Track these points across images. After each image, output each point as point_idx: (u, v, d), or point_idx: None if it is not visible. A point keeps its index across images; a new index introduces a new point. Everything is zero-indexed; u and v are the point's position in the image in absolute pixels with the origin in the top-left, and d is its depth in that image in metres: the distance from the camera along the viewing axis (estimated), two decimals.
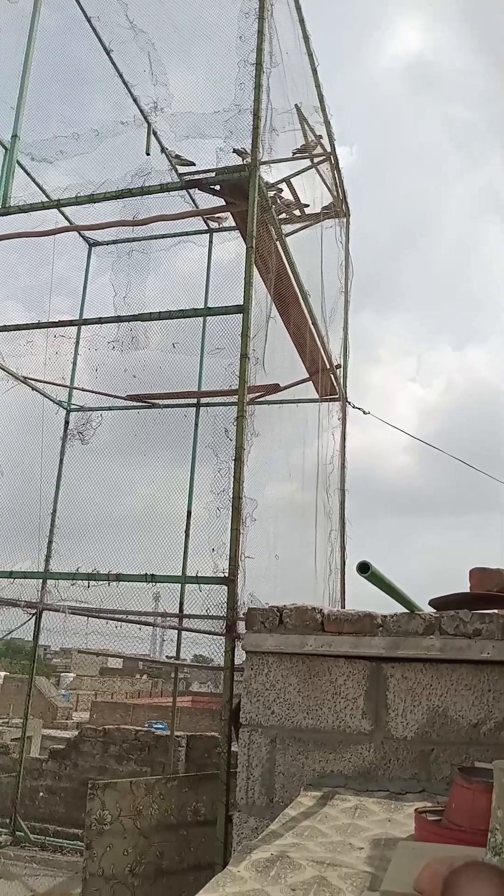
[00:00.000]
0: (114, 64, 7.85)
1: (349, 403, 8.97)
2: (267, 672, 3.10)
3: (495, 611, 3.01)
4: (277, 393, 8.43)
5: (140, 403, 9.42)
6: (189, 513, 9.09)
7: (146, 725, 15.39)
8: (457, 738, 2.81)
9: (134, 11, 7.26)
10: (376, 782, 2.74)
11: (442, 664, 2.89)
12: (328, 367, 8.70)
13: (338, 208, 8.99)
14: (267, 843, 1.86)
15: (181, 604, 7.55)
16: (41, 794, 9.64)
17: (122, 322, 7.22)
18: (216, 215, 8.65)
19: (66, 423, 9.55)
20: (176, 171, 7.56)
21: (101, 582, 6.03)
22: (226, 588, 5.17)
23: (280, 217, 7.45)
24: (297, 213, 8.18)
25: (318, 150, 8.15)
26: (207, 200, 7.37)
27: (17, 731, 11.56)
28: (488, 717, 2.80)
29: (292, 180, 7.96)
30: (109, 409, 9.56)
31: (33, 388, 8.86)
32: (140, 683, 37.65)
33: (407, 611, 3.02)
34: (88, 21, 7.60)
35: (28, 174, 8.04)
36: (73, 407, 9.67)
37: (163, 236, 9.14)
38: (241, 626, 4.65)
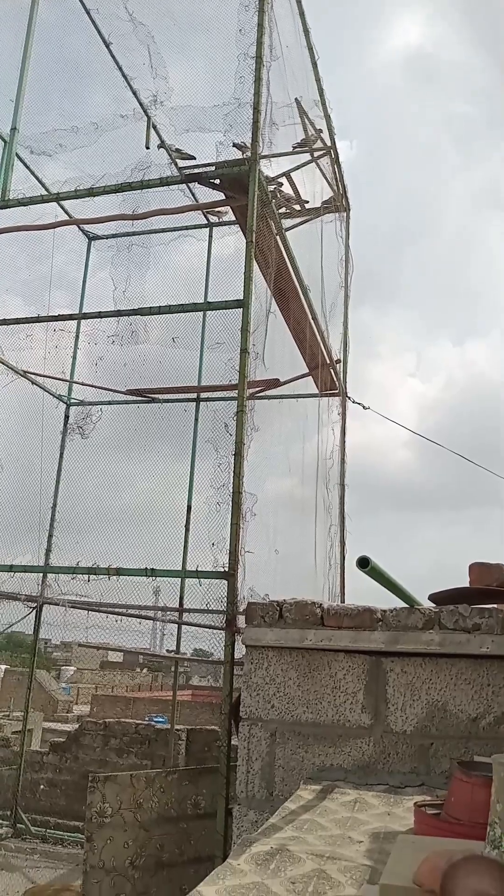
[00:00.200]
0: (113, 57, 7.81)
1: (349, 398, 8.97)
2: (267, 666, 3.11)
3: (495, 605, 3.02)
4: (277, 388, 8.43)
5: (140, 398, 9.42)
6: (189, 507, 9.10)
7: (146, 719, 15.42)
8: (456, 732, 2.83)
9: (133, 4, 7.24)
10: (376, 776, 2.76)
11: (441, 659, 2.90)
12: (328, 362, 8.69)
13: (338, 203, 8.97)
14: (267, 836, 1.88)
15: (181, 598, 7.57)
16: (42, 786, 9.68)
17: (121, 316, 7.21)
18: (216, 209, 8.64)
19: (66, 417, 9.55)
20: (176, 164, 7.54)
21: (102, 576, 6.04)
22: (226, 582, 5.18)
23: (280, 211, 7.43)
24: (296, 207, 8.16)
25: (319, 144, 8.13)
26: (207, 194, 7.35)
27: (17, 724, 11.60)
28: (487, 712, 2.82)
29: (292, 175, 7.93)
30: (109, 403, 9.55)
31: (33, 382, 8.85)
32: (140, 677, 37.74)
33: (406, 605, 3.03)
34: (87, 13, 7.57)
35: (27, 167, 8.01)
36: (72, 401, 9.66)
37: (162, 230, 9.11)
38: (241, 621, 4.66)
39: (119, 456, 9.54)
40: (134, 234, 8.73)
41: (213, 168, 6.58)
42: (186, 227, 9.40)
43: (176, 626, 8.43)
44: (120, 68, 7.88)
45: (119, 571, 5.90)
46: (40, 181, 8.08)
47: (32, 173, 8.13)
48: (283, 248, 7.13)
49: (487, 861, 1.16)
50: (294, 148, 7.86)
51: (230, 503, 5.24)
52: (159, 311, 6.72)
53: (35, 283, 8.46)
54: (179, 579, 7.39)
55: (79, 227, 9.40)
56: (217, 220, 9.57)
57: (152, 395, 9.42)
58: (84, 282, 9.75)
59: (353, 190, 9.51)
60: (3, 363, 8.23)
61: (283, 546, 6.76)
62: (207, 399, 9.31)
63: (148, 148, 7.60)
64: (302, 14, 7.55)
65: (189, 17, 7.34)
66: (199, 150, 7.42)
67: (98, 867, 4.37)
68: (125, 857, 4.47)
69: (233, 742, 4.31)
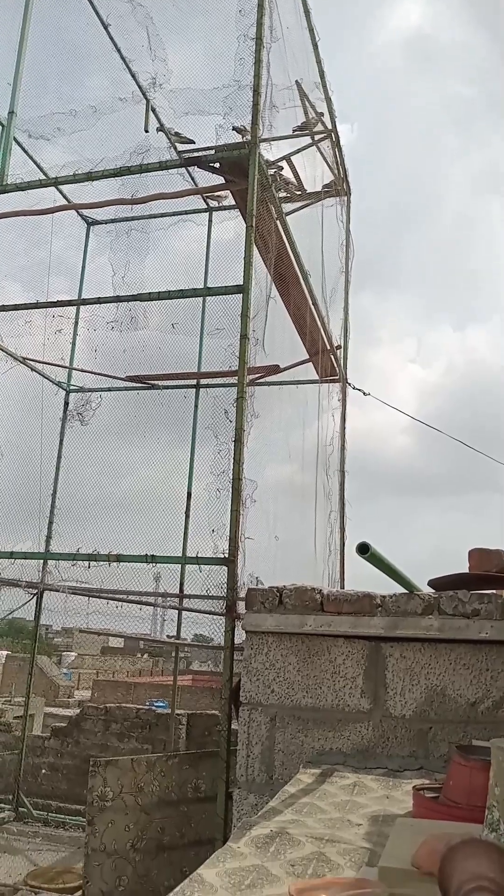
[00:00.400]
0: (111, 39, 7.71)
1: (349, 385, 8.95)
2: (267, 651, 3.12)
3: (494, 591, 3.02)
4: (277, 374, 8.41)
5: (139, 384, 9.39)
6: (189, 494, 9.10)
7: (147, 704, 15.53)
8: (454, 716, 2.84)
9: None
10: (375, 760, 2.77)
11: (440, 644, 2.90)
12: (328, 348, 8.66)
13: (339, 187, 8.90)
14: (266, 819, 1.89)
15: (181, 584, 7.60)
16: (44, 771, 9.77)
17: (121, 302, 7.17)
18: (216, 194, 8.56)
19: (66, 403, 9.53)
20: (175, 148, 7.46)
21: (102, 562, 6.06)
22: (226, 569, 5.19)
23: (280, 195, 7.37)
24: (297, 192, 8.10)
25: (319, 127, 8.05)
26: (207, 178, 7.29)
27: (19, 709, 11.68)
28: (486, 696, 2.83)
29: (293, 158, 7.87)
30: (109, 389, 9.53)
31: (32, 369, 8.83)
32: (141, 662, 37.97)
33: (406, 591, 3.03)
34: None
35: (25, 151, 7.94)
36: (72, 387, 9.64)
37: (162, 215, 9.05)
38: (241, 607, 4.67)
39: (119, 442, 9.54)
40: (133, 219, 8.67)
41: (212, 152, 6.52)
42: (186, 212, 9.34)
43: (176, 611, 8.47)
44: (118, 50, 7.79)
45: (119, 558, 5.91)
46: (38, 165, 8.01)
47: (30, 157, 8.07)
48: (283, 233, 7.08)
49: (485, 844, 1.16)
50: (294, 131, 7.79)
51: (230, 490, 5.24)
52: (158, 296, 6.69)
53: (34, 268, 8.43)
54: (180, 565, 7.41)
55: (77, 212, 9.33)
56: (217, 205, 9.49)
57: (152, 382, 9.40)
58: (83, 267, 9.70)
59: (353, 173, 9.44)
60: (2, 349, 8.20)
61: (283, 532, 6.77)
62: (207, 385, 9.28)
63: (147, 132, 7.52)
64: None
65: None
66: (199, 133, 7.35)
67: (99, 850, 4.42)
68: (126, 840, 4.51)
69: (233, 726, 4.34)
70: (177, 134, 7.61)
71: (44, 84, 7.61)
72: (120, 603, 6.90)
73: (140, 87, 7.77)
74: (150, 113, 7.70)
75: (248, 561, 5.20)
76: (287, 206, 7.78)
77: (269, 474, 6.69)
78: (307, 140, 7.99)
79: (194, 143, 7.43)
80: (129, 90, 7.71)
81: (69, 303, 8.25)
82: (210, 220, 9.77)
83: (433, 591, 3.08)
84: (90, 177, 6.64)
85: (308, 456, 8.04)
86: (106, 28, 7.65)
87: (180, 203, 8.42)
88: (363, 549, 2.64)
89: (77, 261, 9.70)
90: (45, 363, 8.93)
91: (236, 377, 5.54)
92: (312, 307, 8.03)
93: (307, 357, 8.57)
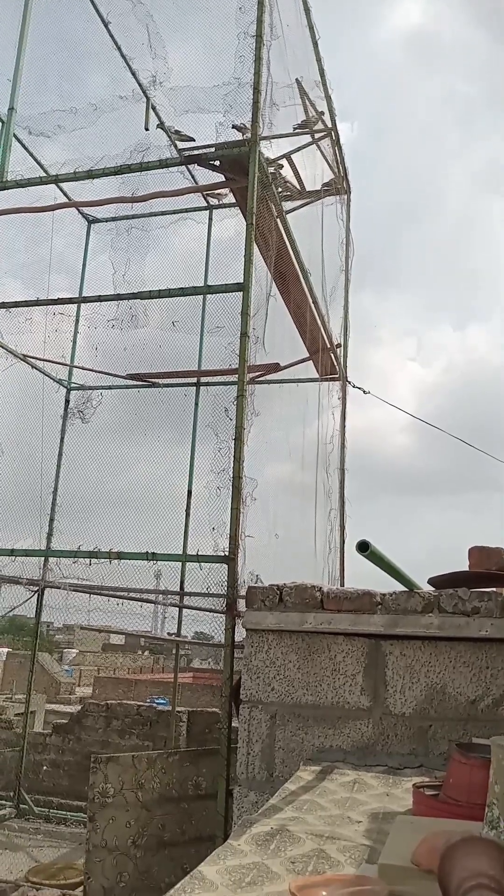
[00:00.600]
0: (112, 36, 7.71)
1: (349, 383, 8.95)
2: (267, 649, 3.13)
3: (494, 589, 3.03)
4: (278, 372, 8.41)
5: (140, 382, 9.40)
6: (189, 492, 9.12)
7: (148, 701, 15.54)
8: (454, 714, 2.85)
9: None
10: (375, 757, 2.78)
11: (440, 642, 2.91)
12: (328, 346, 8.66)
13: (339, 185, 8.89)
14: (267, 816, 1.89)
15: (182, 582, 7.61)
16: (45, 767, 9.79)
17: (121, 300, 7.19)
18: (216, 192, 8.56)
19: (67, 401, 9.54)
20: (175, 146, 7.45)
21: (103, 560, 6.07)
22: (226, 566, 5.20)
23: (280, 193, 7.37)
24: (297, 189, 8.09)
25: (319, 125, 8.04)
26: (207, 176, 7.29)
27: (20, 706, 11.69)
28: (486, 694, 2.84)
29: (293, 157, 7.86)
30: (110, 387, 9.54)
31: (33, 367, 8.83)
32: (142, 659, 38.00)
33: (406, 589, 3.04)
34: None
35: (25, 148, 7.93)
36: (73, 385, 9.65)
37: (162, 213, 9.05)
38: (241, 604, 4.68)
39: (119, 440, 9.55)
40: (133, 216, 8.67)
41: (212, 150, 6.52)
42: (186, 210, 9.33)
43: (177, 609, 8.48)
44: (119, 48, 7.78)
45: (120, 555, 5.92)
46: (38, 162, 8.01)
47: (31, 154, 8.06)
48: (283, 231, 7.08)
49: (485, 842, 1.17)
50: (295, 129, 7.78)
51: (230, 488, 5.25)
52: (159, 294, 6.69)
53: (34, 266, 8.42)
54: (180, 563, 7.42)
55: (78, 210, 9.33)
56: (217, 203, 9.48)
57: (152, 380, 9.40)
58: (84, 265, 9.70)
59: (353, 172, 9.43)
60: (2, 347, 8.20)
61: (283, 530, 6.78)
62: (207, 384, 9.29)
63: (147, 129, 7.51)
64: None
65: None
66: (199, 131, 7.35)
67: (101, 846, 4.43)
68: (127, 837, 4.53)
69: (233, 724, 4.35)
70: (177, 132, 7.61)
71: (44, 81, 7.61)
72: (121, 600, 6.92)
73: (140, 84, 7.76)
74: (151, 111, 7.70)
75: (248, 559, 5.21)
76: (287, 205, 7.78)
77: (269, 472, 6.71)
78: (307, 138, 7.98)
79: (194, 140, 7.42)
80: (129, 88, 7.71)
81: (70, 300, 8.25)
82: (210, 218, 9.76)
83: (433, 589, 3.09)
84: (91, 174, 6.63)
85: (308, 454, 8.05)
86: (106, 26, 7.65)
87: (180, 201, 8.42)
88: (363, 546, 2.64)
89: (77, 259, 9.71)
90: (46, 361, 8.94)
91: (236, 375, 5.54)
92: (312, 305, 8.03)
93: (307, 355, 8.57)
